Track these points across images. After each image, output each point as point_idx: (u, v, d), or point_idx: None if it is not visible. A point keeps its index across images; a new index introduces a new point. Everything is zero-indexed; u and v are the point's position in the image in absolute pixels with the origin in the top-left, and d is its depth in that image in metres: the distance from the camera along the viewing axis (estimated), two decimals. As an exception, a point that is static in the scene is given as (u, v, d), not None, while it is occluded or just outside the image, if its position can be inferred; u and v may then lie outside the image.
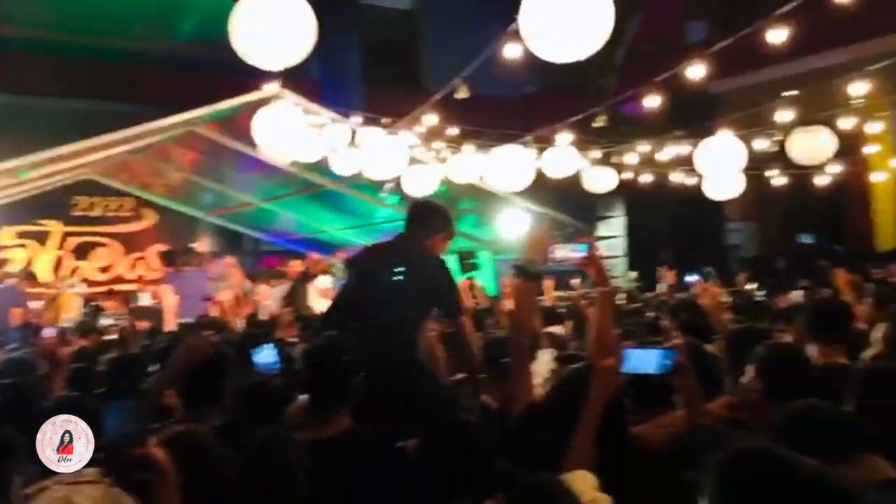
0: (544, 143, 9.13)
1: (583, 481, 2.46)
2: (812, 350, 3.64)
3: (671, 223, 15.69)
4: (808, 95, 8.62)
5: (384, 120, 9.40)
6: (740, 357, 3.25)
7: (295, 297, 9.93)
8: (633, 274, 13.20)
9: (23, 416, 2.59)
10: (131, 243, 15.20)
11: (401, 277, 3.71)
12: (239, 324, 7.35)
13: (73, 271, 14.33)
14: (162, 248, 14.51)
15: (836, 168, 10.44)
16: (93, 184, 14.40)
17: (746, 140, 8.11)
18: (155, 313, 8.50)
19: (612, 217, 13.89)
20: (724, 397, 3.14)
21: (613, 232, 13.76)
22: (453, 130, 9.82)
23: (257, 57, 3.89)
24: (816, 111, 8.77)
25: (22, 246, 13.99)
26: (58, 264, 14.32)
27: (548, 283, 9.76)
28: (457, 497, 2.37)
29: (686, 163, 9.48)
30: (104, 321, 8.19)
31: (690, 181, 10.19)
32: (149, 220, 15.39)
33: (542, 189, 10.18)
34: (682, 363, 2.73)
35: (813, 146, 7.70)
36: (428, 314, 3.93)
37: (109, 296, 12.90)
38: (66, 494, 2.72)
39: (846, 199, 15.86)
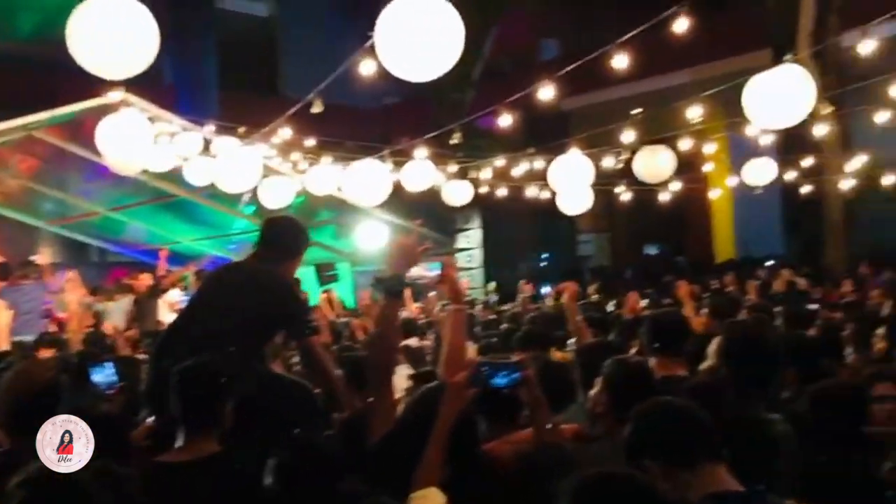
0: (403, 156, 9.18)
1: (431, 499, 2.48)
2: (652, 363, 3.80)
3: (527, 235, 16.15)
4: (652, 115, 9.09)
5: (240, 129, 9.19)
6: (592, 371, 3.37)
7: (142, 313, 9.54)
8: (492, 285, 13.48)
9: None
10: (-40, 256, 14.12)
11: (243, 301, 3.60)
12: (78, 341, 6.96)
13: None
14: (-2, 260, 13.56)
15: (678, 185, 11.04)
16: (-83, 191, 13.31)
17: (596, 157, 8.45)
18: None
19: (469, 229, 14.14)
20: (574, 425, 3.24)
21: (471, 244, 14.00)
22: (311, 141, 9.72)
23: (97, 66, 3.70)
24: (660, 130, 9.27)
25: None
26: None
27: (407, 294, 9.82)
28: None
29: (540, 177, 9.77)
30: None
31: (544, 195, 10.51)
32: (-18, 230, 14.34)
33: (401, 201, 10.23)
34: (529, 377, 2.78)
35: (655, 164, 8.12)
36: (271, 337, 3.82)
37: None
38: None
39: (688, 213, 16.85)
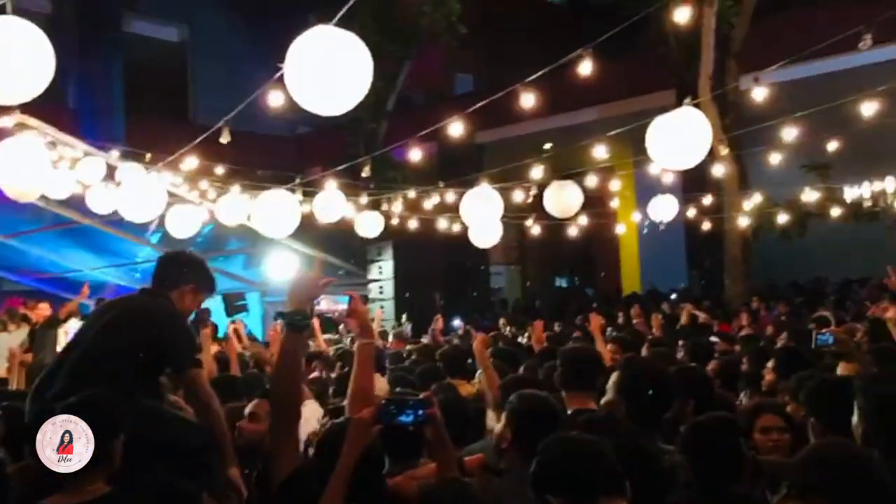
0: (314, 186, 9.12)
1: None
2: (564, 396, 3.85)
3: (440, 267, 16.21)
4: (562, 151, 9.31)
5: (147, 155, 8.97)
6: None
7: (40, 344, 9.14)
8: (404, 317, 13.46)
9: None
10: None
11: (126, 332, 3.50)
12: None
13: None
14: None
15: (585, 219, 11.31)
16: None
17: (507, 191, 8.58)
18: None
19: (381, 261, 14.11)
20: (479, 455, 3.25)
21: (383, 275, 13.97)
22: (220, 169, 9.57)
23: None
24: (569, 166, 9.49)
25: None
26: None
27: (315, 325, 9.72)
28: None
29: (452, 210, 9.86)
30: None
31: (456, 228, 10.59)
32: None
33: (313, 231, 10.15)
34: (434, 415, 2.78)
35: (564, 199, 8.26)
36: (157, 369, 3.71)
37: None
38: None
39: (596, 247, 17.27)
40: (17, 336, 9.24)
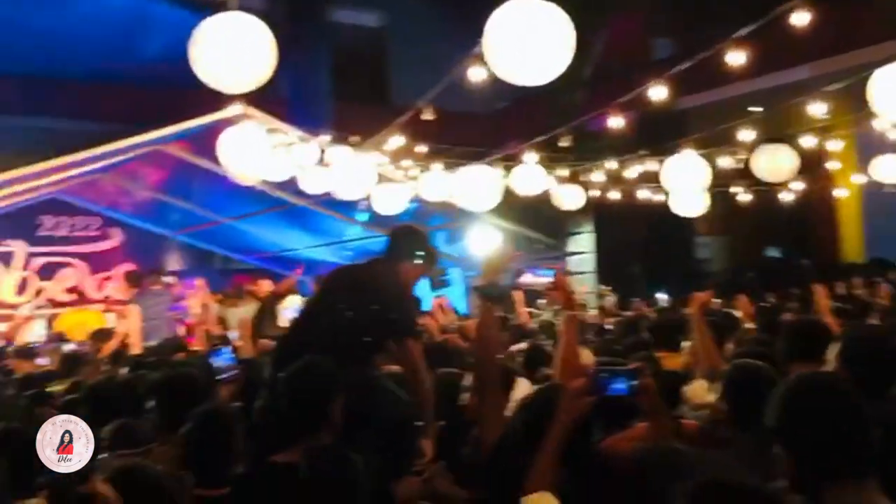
0: (513, 160, 9.16)
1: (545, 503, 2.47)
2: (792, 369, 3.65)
3: (641, 239, 15.81)
4: (772, 113, 8.75)
5: (352, 138, 9.39)
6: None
7: (261, 318, 9.84)
8: (606, 289, 13.24)
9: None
10: (98, 263, 14.99)
11: (360, 301, 3.66)
12: (203, 345, 7.29)
13: (39, 292, 14.11)
14: (129, 267, 14.33)
15: (800, 185, 10.59)
16: (58, 203, 14.23)
17: (711, 157, 8.20)
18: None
19: (581, 233, 13.94)
20: (695, 423, 3.17)
21: (583, 248, 13.81)
22: (422, 148, 9.83)
23: (218, 82, 3.87)
24: (780, 128, 8.91)
25: (-14, 267, 13.77)
26: (22, 285, 14.09)
27: (518, 298, 9.81)
28: None
29: (653, 179, 9.57)
30: (69, 345, 8.07)
31: (658, 198, 10.28)
32: (115, 239, 15.20)
33: (512, 206, 10.22)
34: (649, 384, 2.74)
35: (776, 164, 7.80)
36: (382, 337, 3.86)
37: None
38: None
39: (812, 213, 16.11)
40: (246, 310, 10.01)
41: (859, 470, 1.98)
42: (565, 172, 10.03)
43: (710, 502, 1.92)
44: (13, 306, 11.75)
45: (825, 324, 4.51)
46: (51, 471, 2.03)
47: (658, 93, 6.46)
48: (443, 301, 10.48)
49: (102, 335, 8.46)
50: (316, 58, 17.41)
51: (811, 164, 10.31)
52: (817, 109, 7.69)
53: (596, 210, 12.88)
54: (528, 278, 3.50)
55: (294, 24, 16.21)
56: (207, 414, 3.27)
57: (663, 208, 9.83)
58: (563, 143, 8.13)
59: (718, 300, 11.55)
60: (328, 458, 2.61)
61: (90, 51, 15.03)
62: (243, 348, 5.46)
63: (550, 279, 3.42)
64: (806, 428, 2.00)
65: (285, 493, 2.84)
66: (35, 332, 10.95)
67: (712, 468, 2.86)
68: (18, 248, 14.10)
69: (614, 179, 10.62)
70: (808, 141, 8.89)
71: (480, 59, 5.00)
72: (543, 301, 11.45)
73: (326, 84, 17.72)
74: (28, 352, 7.75)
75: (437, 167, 9.28)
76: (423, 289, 10.77)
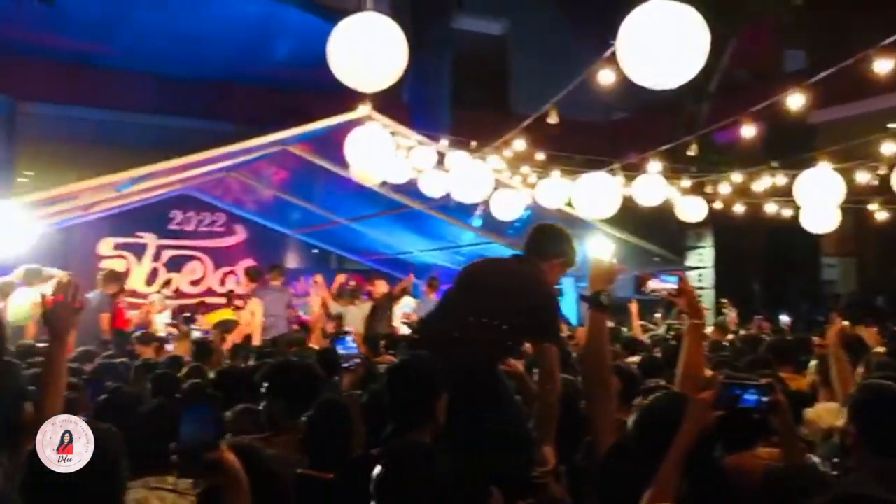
0: (633, 170, 9.01)
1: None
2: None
3: (763, 256, 15.25)
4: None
5: (472, 144, 9.45)
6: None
7: (375, 318, 10.04)
8: (727, 303, 12.82)
9: (119, 420, 2.67)
10: (222, 257, 15.63)
11: (501, 298, 3.62)
12: (319, 342, 7.46)
13: (167, 283, 14.82)
14: (249, 263, 14.86)
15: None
16: (189, 199, 14.92)
17: (847, 172, 7.82)
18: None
19: (701, 248, 13.57)
20: None
21: (702, 262, 13.44)
22: (541, 155, 9.79)
23: (353, 79, 3.96)
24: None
25: (120, 257, 14.54)
26: (152, 276, 14.83)
27: (633, 311, 9.63)
28: None
29: (781, 194, 9.21)
30: (196, 333, 8.44)
31: (786, 213, 9.88)
32: (239, 235, 15.81)
33: (630, 217, 10.05)
34: (781, 402, 2.63)
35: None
36: (520, 337, 3.83)
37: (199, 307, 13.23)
38: (145, 496, 2.81)
39: (953, 236, 15.14)
40: (362, 309, 10.23)
41: None
42: (687, 183, 9.77)
43: None
44: (144, 295, 12.37)
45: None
46: (183, 441, 2.12)
47: (794, 101, 6.20)
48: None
49: (226, 326, 8.80)
50: (437, 65, 17.64)
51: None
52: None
53: (716, 224, 12.52)
54: (652, 284, 3.42)
55: (417, 31, 16.46)
56: (328, 403, 3.35)
57: (788, 224, 9.45)
58: (690, 152, 7.91)
59: (846, 323, 11.02)
60: (410, 456, 2.61)
61: (223, 54, 15.72)
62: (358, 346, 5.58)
63: (674, 286, 3.32)
64: None
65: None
66: (162, 320, 11.48)
67: (847, 488, 2.74)
68: (150, 240, 14.86)
69: (739, 192, 10.27)
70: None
71: (607, 64, 4.95)
72: (659, 315, 11.21)
73: (447, 91, 17.92)
74: (151, 338, 8.11)
75: (556, 174, 9.21)
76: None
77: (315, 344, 7.58)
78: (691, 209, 9.65)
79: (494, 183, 8.63)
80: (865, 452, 2.78)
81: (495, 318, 3.54)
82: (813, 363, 5.06)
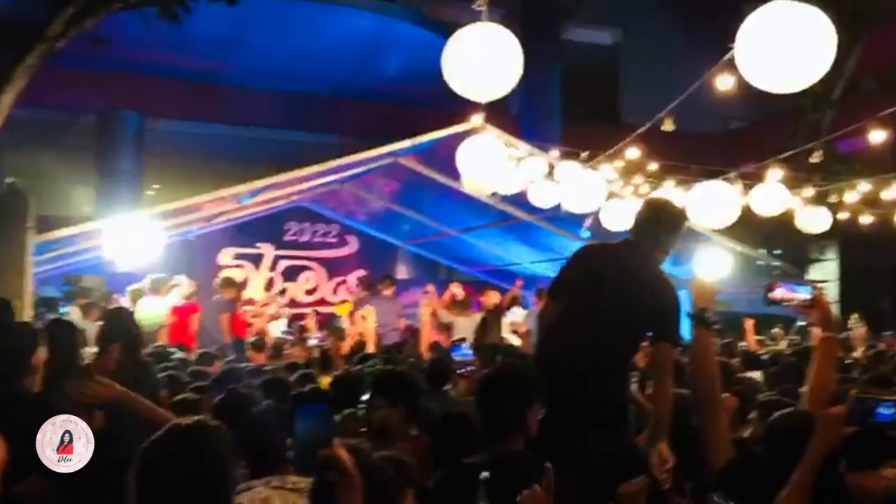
0: (750, 179, 8.73)
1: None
2: None
3: (893, 269, 14.46)
4: None
5: (583, 154, 9.37)
6: None
7: (486, 328, 10.03)
8: (856, 318, 12.18)
9: (237, 422, 2.77)
10: (335, 267, 16.01)
11: (627, 292, 3.54)
12: (427, 351, 7.53)
13: (283, 292, 15.27)
14: (361, 273, 15.17)
15: None
16: (303, 210, 15.35)
17: None
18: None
19: (824, 260, 12.96)
20: None
21: (826, 276, 12.83)
22: (653, 165, 9.62)
23: (468, 89, 3.99)
24: None
25: (239, 266, 15.09)
26: (269, 285, 15.32)
27: (749, 326, 9.32)
28: None
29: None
30: (311, 341, 8.67)
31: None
32: (351, 246, 16.16)
33: (748, 228, 9.73)
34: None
35: None
36: (640, 342, 3.75)
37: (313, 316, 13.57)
38: (268, 497, 2.88)
39: None
40: (472, 320, 10.24)
41: None
42: (810, 193, 9.38)
43: None
44: (262, 304, 12.79)
45: None
46: (297, 438, 2.17)
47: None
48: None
49: (340, 334, 9.00)
50: (547, 76, 17.57)
51: None
52: None
53: (842, 236, 11.95)
54: (779, 292, 3.25)
55: (526, 43, 16.45)
56: (455, 413, 3.40)
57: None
58: (814, 159, 7.61)
59: None
60: (509, 466, 2.60)
61: (336, 70, 16.15)
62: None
63: (807, 296, 3.17)
64: None
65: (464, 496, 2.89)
66: (279, 329, 11.84)
67: None
68: (267, 250, 15.37)
69: (867, 202, 9.78)
70: None
71: (724, 69, 4.82)
72: (778, 330, 10.79)
73: (556, 102, 17.82)
74: (262, 345, 8.38)
75: (669, 184, 9.03)
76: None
77: (424, 353, 7.67)
78: (814, 219, 9.25)
79: (606, 193, 8.53)
80: None
81: (627, 318, 3.48)
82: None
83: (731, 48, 3.79)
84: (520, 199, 10.28)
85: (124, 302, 9.67)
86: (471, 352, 4.63)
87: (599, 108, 20.19)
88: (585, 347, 3.51)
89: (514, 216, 12.34)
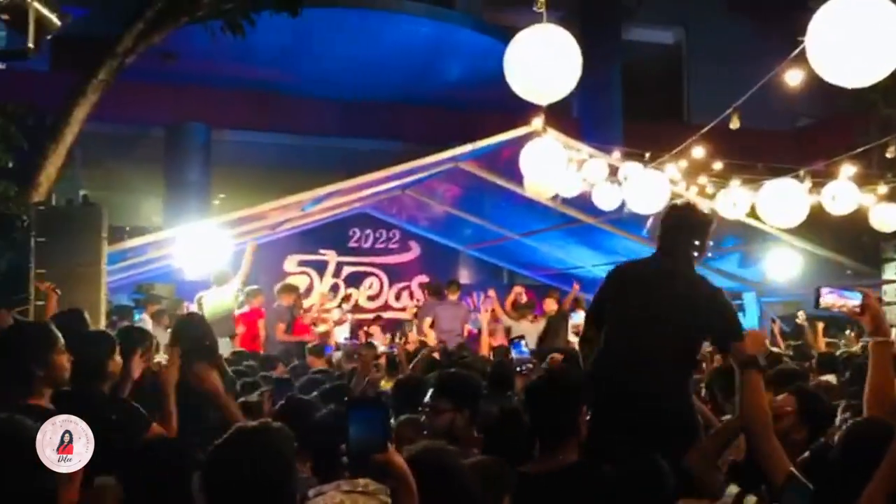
0: (820, 177, 8.49)
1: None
2: None
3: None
4: None
5: (646, 155, 9.24)
6: None
7: (552, 332, 9.98)
8: None
9: (298, 426, 2.79)
10: (397, 273, 16.11)
11: (670, 304, 3.49)
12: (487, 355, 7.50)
13: (346, 298, 15.43)
14: (423, 279, 15.23)
15: None
16: (366, 217, 15.50)
17: None
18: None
19: (899, 260, 12.50)
20: None
21: (901, 276, 12.38)
22: (719, 165, 9.42)
23: (530, 91, 3.98)
24: None
25: (304, 273, 15.30)
26: (333, 291, 15.50)
27: (819, 327, 9.08)
28: None
29: None
30: (381, 348, 8.73)
31: None
32: (413, 251, 16.24)
33: (818, 227, 9.47)
34: None
35: None
36: (698, 350, 3.68)
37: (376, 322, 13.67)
38: (342, 501, 2.88)
39: None
40: (535, 327, 10.20)
41: None
42: (884, 190, 9.06)
43: None
44: (326, 310, 12.95)
45: None
46: (351, 443, 2.15)
47: None
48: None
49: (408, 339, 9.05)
50: (608, 77, 17.40)
51: None
52: None
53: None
54: (828, 299, 3.11)
55: (586, 44, 16.34)
56: (511, 412, 3.39)
57: None
58: (889, 154, 7.35)
59: None
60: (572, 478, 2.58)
61: (397, 77, 16.27)
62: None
63: (856, 302, 3.06)
64: None
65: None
66: (342, 335, 11.97)
67: None
68: (331, 256, 15.56)
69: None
70: None
71: (794, 64, 4.71)
72: (851, 333, 10.48)
73: (618, 102, 17.64)
74: (321, 350, 8.47)
75: (735, 183, 8.83)
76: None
77: (485, 356, 7.64)
78: (888, 217, 8.94)
79: (670, 194, 8.40)
80: None
81: (680, 326, 3.42)
82: None
83: (801, 41, 3.70)
84: (581, 202, 10.19)
85: (194, 309, 9.89)
86: (527, 350, 4.61)
87: (662, 108, 19.90)
88: (645, 364, 3.44)
89: (576, 219, 12.27)
